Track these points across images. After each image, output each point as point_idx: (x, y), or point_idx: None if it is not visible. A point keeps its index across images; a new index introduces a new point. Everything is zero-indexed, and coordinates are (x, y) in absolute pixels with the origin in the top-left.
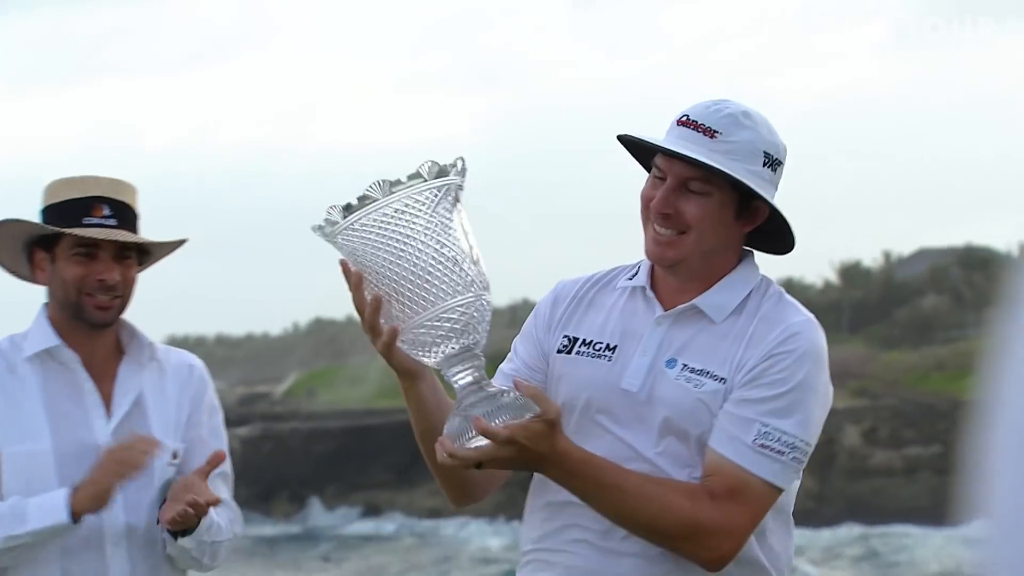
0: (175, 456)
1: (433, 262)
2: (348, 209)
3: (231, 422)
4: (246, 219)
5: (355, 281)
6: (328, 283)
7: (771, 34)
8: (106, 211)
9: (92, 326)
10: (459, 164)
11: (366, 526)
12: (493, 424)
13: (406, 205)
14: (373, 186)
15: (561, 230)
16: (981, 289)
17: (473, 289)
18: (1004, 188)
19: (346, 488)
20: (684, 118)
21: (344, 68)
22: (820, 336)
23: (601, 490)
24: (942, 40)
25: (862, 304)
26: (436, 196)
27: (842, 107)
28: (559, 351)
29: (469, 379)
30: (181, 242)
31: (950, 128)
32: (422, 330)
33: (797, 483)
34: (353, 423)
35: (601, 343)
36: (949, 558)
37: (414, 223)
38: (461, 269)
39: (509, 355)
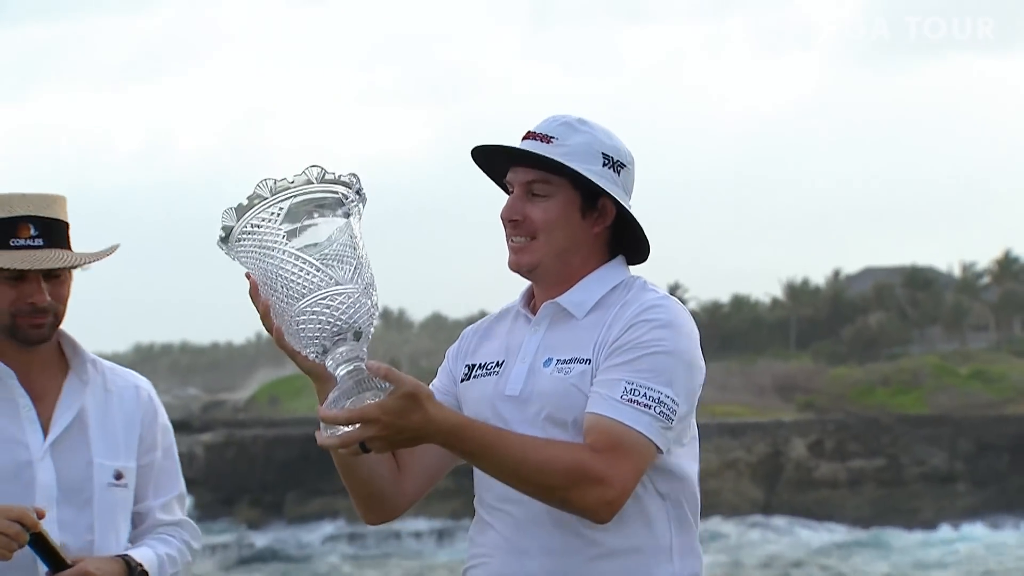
0: (119, 476)
1: (312, 257)
2: (240, 209)
3: (195, 428)
4: (210, 228)
5: (252, 290)
6: None
7: (722, 58)
8: (32, 231)
9: (27, 343)
10: (354, 180)
11: (329, 535)
12: (332, 411)
13: (281, 209)
14: (260, 185)
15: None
16: (924, 307)
17: (353, 284)
18: (947, 211)
19: (308, 494)
20: (526, 132)
21: (301, 80)
22: (679, 310)
23: (485, 449)
24: (889, 65)
25: (810, 321)
26: (318, 202)
27: (789, 129)
28: (462, 380)
29: (349, 368)
30: (112, 250)
31: (897, 151)
32: (303, 317)
33: (694, 445)
34: (315, 430)
35: (491, 362)
36: (891, 567)
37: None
38: (339, 266)
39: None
